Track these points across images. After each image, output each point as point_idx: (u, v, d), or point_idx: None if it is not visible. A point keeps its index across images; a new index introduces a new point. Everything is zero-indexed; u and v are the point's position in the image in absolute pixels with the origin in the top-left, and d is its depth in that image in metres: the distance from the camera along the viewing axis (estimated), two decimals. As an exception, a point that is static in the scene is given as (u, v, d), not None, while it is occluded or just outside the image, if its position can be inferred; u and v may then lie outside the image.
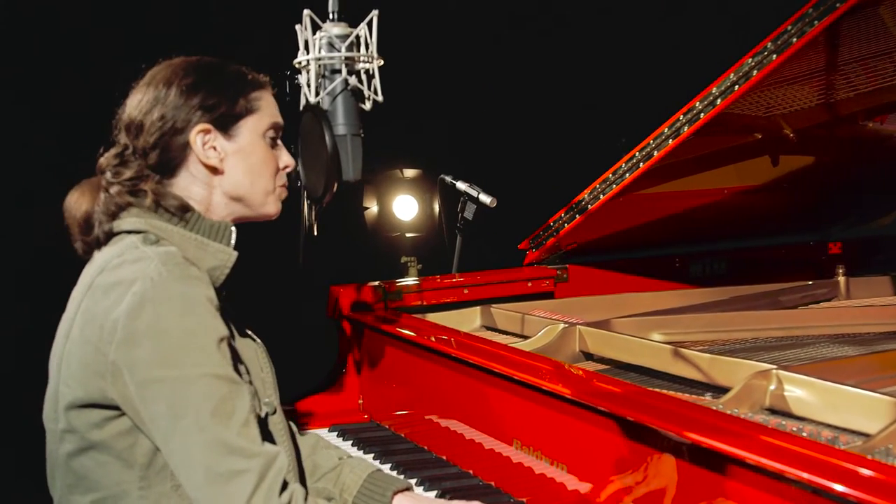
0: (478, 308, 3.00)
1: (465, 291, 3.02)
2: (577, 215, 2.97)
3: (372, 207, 4.40)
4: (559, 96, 4.78)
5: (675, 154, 2.80)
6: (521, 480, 2.19)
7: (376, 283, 2.91)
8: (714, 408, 1.95)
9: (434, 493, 2.21)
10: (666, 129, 2.63)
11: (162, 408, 1.64)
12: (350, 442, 2.61)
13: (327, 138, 1.89)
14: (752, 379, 2.04)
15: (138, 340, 1.65)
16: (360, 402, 2.86)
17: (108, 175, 1.81)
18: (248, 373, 1.86)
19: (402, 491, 2.00)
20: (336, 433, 2.69)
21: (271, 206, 1.93)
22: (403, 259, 4.31)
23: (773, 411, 2.03)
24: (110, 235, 1.82)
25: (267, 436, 1.87)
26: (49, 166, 3.63)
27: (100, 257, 1.81)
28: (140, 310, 1.65)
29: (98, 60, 3.78)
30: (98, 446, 1.73)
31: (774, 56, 2.31)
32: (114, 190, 1.80)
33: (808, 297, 3.17)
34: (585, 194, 2.93)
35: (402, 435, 2.65)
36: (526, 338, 2.66)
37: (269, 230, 2.79)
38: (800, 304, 3.12)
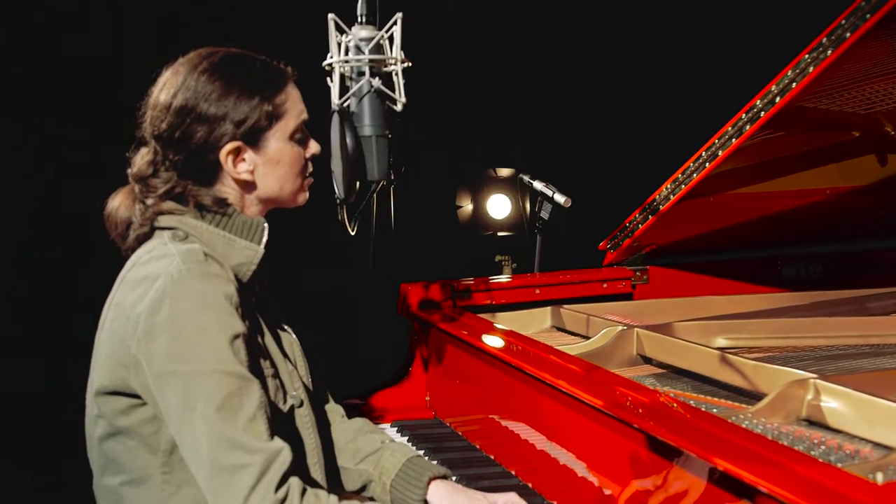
0: (548, 308, 2.99)
1: (537, 292, 3.02)
2: (650, 216, 2.92)
3: (465, 206, 4.43)
4: (656, 90, 4.71)
5: (744, 153, 2.71)
6: (558, 484, 2.19)
7: (446, 281, 2.93)
8: (738, 416, 1.90)
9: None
10: (730, 128, 2.56)
11: (174, 400, 1.72)
12: (406, 438, 2.65)
13: (348, 140, 1.93)
14: (786, 388, 1.97)
15: (156, 334, 1.73)
16: (427, 398, 2.90)
17: (143, 187, 1.89)
18: (273, 366, 1.92)
19: (439, 478, 2.02)
20: (396, 429, 2.74)
21: (300, 199, 2.01)
22: (498, 258, 4.33)
23: (810, 422, 1.96)
24: (147, 236, 1.91)
25: (291, 428, 1.94)
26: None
27: (135, 253, 1.91)
28: (160, 305, 1.74)
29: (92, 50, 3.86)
30: (125, 431, 1.83)
31: (830, 51, 2.21)
32: (150, 201, 1.88)
33: (903, 304, 3.00)
34: (657, 195, 2.87)
35: (460, 433, 2.68)
36: (589, 339, 2.64)
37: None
38: (891, 311, 2.96)
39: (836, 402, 1.92)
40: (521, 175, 3.15)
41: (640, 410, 1.87)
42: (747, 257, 3.33)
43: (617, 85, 4.83)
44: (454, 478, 2.26)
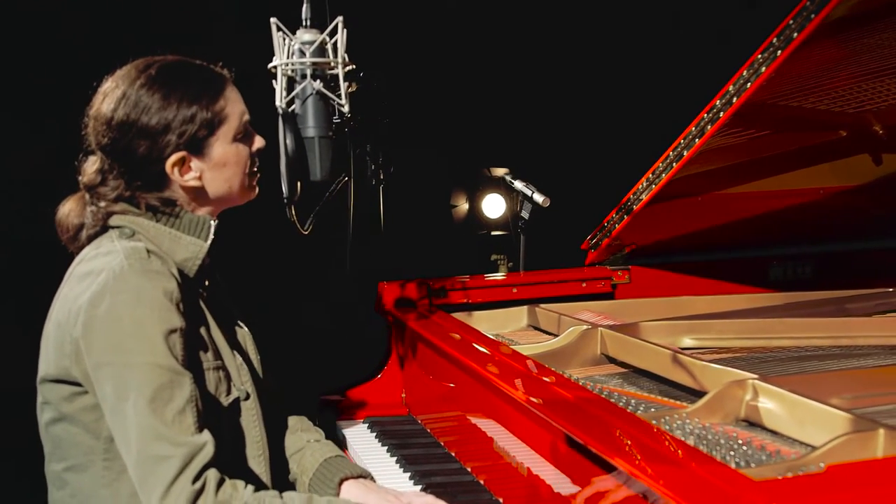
0: (524, 308, 3.00)
1: (514, 291, 3.03)
2: (625, 216, 2.92)
3: (461, 205, 4.45)
4: (649, 90, 4.70)
5: (718, 153, 2.71)
6: (506, 480, 2.20)
7: (422, 280, 2.96)
8: (672, 416, 1.91)
9: (420, 486, 2.25)
10: (693, 129, 2.56)
11: (109, 389, 1.79)
12: (374, 434, 2.68)
13: (288, 141, 1.97)
14: (725, 388, 1.98)
15: (95, 326, 1.80)
16: (403, 395, 2.93)
17: (93, 195, 1.95)
18: (219, 359, 1.97)
19: (353, 478, 2.06)
20: (367, 425, 2.77)
21: (249, 196, 2.06)
22: (493, 257, 4.35)
23: (750, 423, 1.96)
24: (99, 234, 1.97)
25: (235, 419, 1.99)
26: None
27: (84, 250, 1.97)
28: (100, 299, 1.81)
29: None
30: (68, 418, 1.90)
31: (780, 51, 2.20)
32: (101, 204, 1.95)
33: (884, 305, 2.96)
34: (630, 195, 2.88)
35: (429, 430, 2.70)
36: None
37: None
38: (873, 313, 2.92)
39: (772, 403, 1.92)
40: (503, 175, 3.16)
41: (553, 407, 1.90)
42: (734, 257, 3.31)
43: (611, 84, 4.82)
44: (409, 482, 2.31)
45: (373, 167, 3.14)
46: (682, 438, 1.80)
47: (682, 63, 4.72)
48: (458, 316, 2.87)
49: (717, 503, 1.32)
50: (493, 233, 4.39)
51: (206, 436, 1.78)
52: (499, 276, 3.13)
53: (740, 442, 1.80)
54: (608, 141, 4.70)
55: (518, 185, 3.10)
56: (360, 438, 2.66)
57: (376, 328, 3.17)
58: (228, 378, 1.99)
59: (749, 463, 1.69)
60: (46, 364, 1.91)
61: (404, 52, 4.31)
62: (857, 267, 3.37)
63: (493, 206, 4.42)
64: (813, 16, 2.08)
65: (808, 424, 1.83)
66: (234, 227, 2.54)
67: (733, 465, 1.67)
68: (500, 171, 4.34)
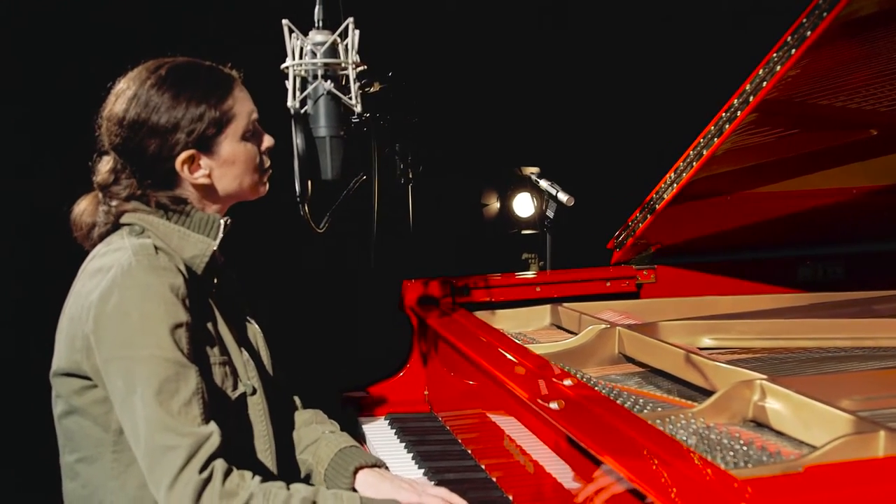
0: (548, 306, 3.01)
1: (537, 290, 3.04)
2: (648, 215, 2.91)
3: (492, 204, 4.46)
4: (682, 88, 4.66)
5: (739, 153, 2.69)
6: (518, 478, 2.22)
7: (446, 278, 2.98)
8: (678, 415, 1.91)
9: (432, 482, 2.27)
10: (712, 128, 2.54)
11: (118, 383, 1.84)
12: (394, 431, 2.71)
13: (299, 141, 2.01)
14: (732, 389, 1.97)
15: (105, 322, 1.85)
16: (426, 392, 2.95)
17: (106, 194, 2.01)
18: (225, 354, 2.02)
19: (368, 467, 2.09)
20: (388, 422, 2.80)
21: (260, 192, 2.10)
22: (525, 255, 4.36)
23: (758, 424, 1.95)
24: (110, 232, 2.03)
25: (242, 414, 2.03)
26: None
27: (96, 247, 2.03)
28: (109, 294, 1.86)
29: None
30: (79, 411, 1.95)
31: (794, 50, 2.19)
32: (114, 203, 2.01)
33: (912, 307, 2.92)
34: (653, 194, 2.87)
35: (448, 427, 2.72)
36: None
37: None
38: (898, 314, 2.88)
39: (779, 404, 1.91)
40: (529, 174, 3.17)
41: (553, 406, 1.90)
42: (762, 258, 3.28)
43: (638, 83, 4.79)
44: (423, 478, 2.33)
45: (401, 166, 3.17)
46: (685, 438, 1.81)
47: (708, 62, 4.68)
48: (481, 314, 2.89)
49: (691, 498, 1.33)
50: (524, 231, 4.41)
51: (213, 426, 1.83)
52: (522, 274, 3.14)
53: (742, 442, 1.79)
54: (641, 138, 4.67)
55: (543, 184, 3.10)
56: (379, 434, 2.69)
57: (401, 326, 3.20)
58: (235, 373, 2.03)
59: (747, 463, 1.68)
60: (59, 358, 1.96)
61: (436, 51, 4.33)
62: (890, 267, 3.33)
63: (524, 205, 4.44)
64: (825, 14, 2.06)
65: (813, 426, 1.81)
66: (260, 226, 2.58)
67: (731, 466, 1.67)
68: (529, 171, 4.35)
